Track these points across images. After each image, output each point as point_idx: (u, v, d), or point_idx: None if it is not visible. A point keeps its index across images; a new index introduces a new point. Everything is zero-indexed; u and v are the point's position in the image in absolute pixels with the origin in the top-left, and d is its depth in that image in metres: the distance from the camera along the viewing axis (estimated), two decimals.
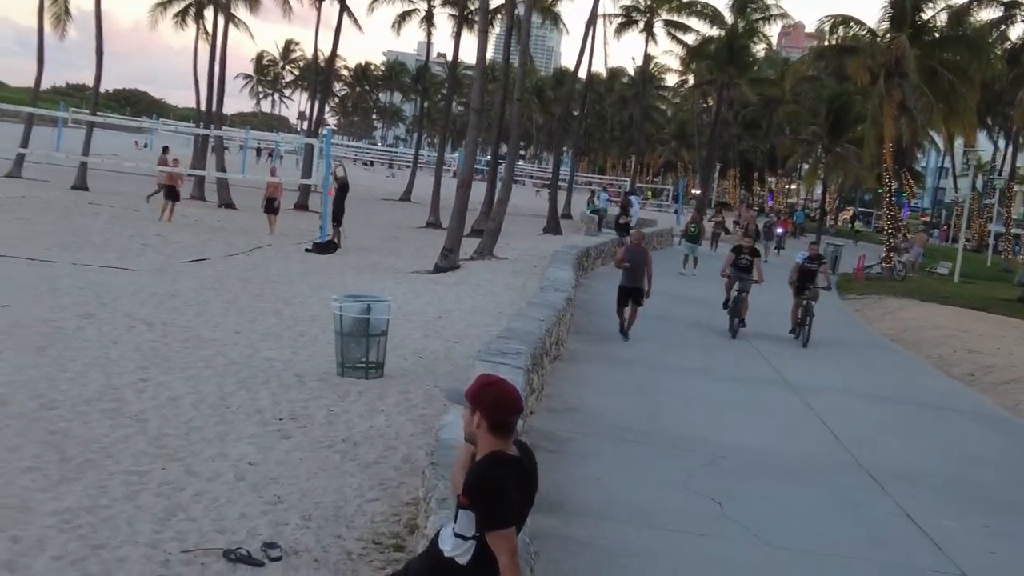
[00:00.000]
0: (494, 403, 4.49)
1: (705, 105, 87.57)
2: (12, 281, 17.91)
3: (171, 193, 33.30)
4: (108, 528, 7.56)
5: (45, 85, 51.09)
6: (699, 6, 63.75)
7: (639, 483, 10.18)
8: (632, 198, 47.55)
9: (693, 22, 64.92)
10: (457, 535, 4.40)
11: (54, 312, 15.56)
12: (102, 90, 51.63)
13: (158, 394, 11.46)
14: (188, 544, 7.41)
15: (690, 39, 65.75)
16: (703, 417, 13.59)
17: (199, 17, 51.23)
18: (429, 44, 66.43)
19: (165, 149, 43.90)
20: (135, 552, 7.18)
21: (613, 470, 10.47)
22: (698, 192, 74.21)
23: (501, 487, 4.43)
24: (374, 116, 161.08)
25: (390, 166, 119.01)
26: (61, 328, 14.48)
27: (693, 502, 9.74)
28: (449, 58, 60.07)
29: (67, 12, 47.90)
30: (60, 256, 21.91)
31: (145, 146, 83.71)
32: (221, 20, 45.99)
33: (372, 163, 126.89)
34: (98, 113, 49.59)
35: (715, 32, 65.33)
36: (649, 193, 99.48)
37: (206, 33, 48.93)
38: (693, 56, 67.79)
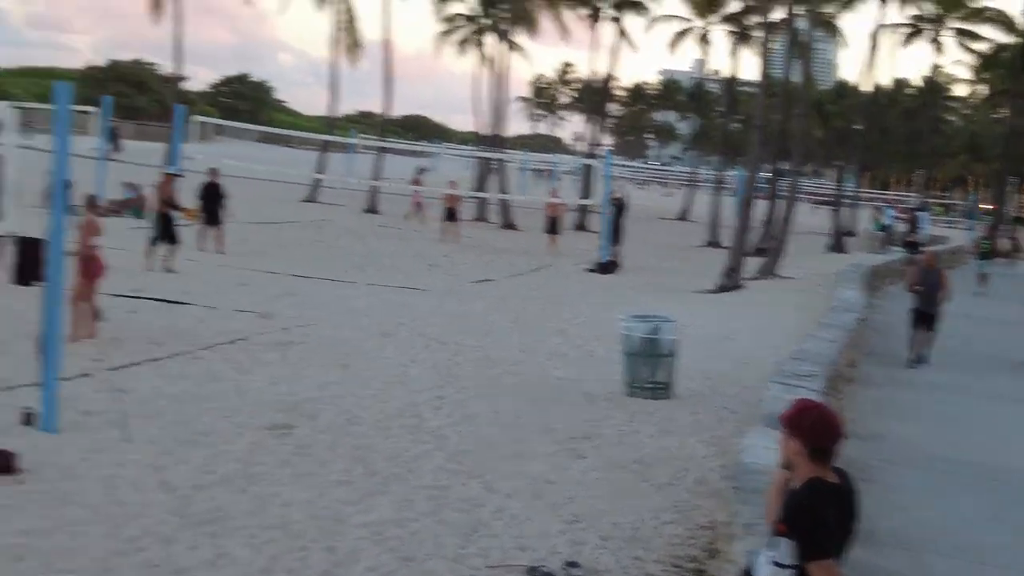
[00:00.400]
0: (813, 428, 4.35)
1: (999, 116, 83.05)
2: (314, 301, 18.88)
3: (450, 214, 34.41)
4: (415, 542, 7.79)
5: (336, 113, 53.77)
6: (991, 13, 60.57)
7: (951, 515, 9.67)
8: (921, 214, 45.66)
9: (984, 30, 61.72)
10: (776, 564, 4.28)
11: (354, 331, 16.27)
12: (388, 116, 53.88)
13: (454, 412, 11.77)
14: (492, 560, 7.54)
15: (982, 47, 62.54)
16: (1016, 447, 12.79)
17: (479, 44, 52.67)
18: (705, 62, 66.04)
19: (421, 171, 45.44)
20: (442, 566, 7.36)
21: (923, 500, 9.99)
22: (992, 207, 70.38)
23: (820, 515, 4.28)
24: (649, 135, 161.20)
25: (664, 185, 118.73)
26: (361, 346, 15.13)
27: (1019, 539, 9.17)
28: (725, 75, 59.45)
29: (358, 44, 50.29)
30: (356, 277, 22.97)
31: (429, 170, 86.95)
32: (501, 46, 47.22)
33: (647, 182, 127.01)
34: (386, 139, 51.77)
35: (1010, 39, 61.86)
36: (939, 209, 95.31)
37: (486, 58, 50.29)
38: (985, 65, 64.46)
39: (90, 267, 13.93)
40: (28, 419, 9.74)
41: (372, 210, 44.17)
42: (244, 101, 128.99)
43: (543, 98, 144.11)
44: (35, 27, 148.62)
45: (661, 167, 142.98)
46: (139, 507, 8.13)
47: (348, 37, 49.72)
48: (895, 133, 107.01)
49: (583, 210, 46.43)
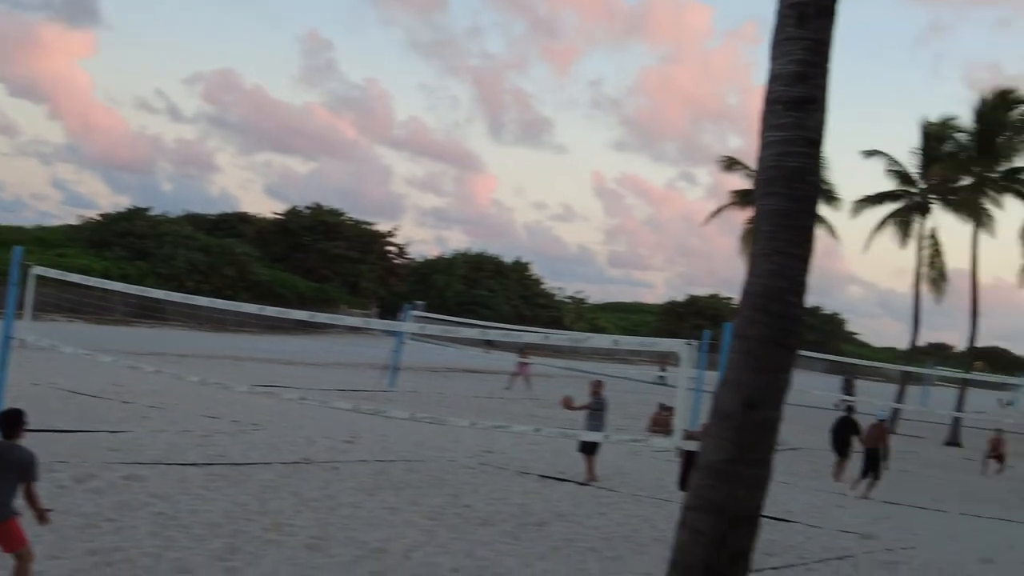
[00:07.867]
0: None
1: None
2: (910, 525, 19.37)
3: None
4: None
5: (901, 343, 53.37)
6: None
7: None
8: None
9: None
10: None
11: (957, 557, 16.58)
12: (961, 349, 52.67)
13: None
14: None
15: None
16: None
17: None
18: None
19: (1006, 403, 42.75)
20: None
21: None
22: None
23: None
24: None
25: None
26: (965, 570, 15.38)
27: None
28: None
29: (944, 277, 49.88)
30: (947, 507, 23.17)
31: (1009, 404, 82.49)
32: None
33: None
34: (968, 371, 50.56)
35: None
36: None
37: None
38: None
39: None
40: None
41: (954, 443, 43.45)
42: (813, 332, 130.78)
43: None
44: (616, 265, 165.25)
45: None
46: None
47: (933, 271, 49.66)
48: None
49: None
